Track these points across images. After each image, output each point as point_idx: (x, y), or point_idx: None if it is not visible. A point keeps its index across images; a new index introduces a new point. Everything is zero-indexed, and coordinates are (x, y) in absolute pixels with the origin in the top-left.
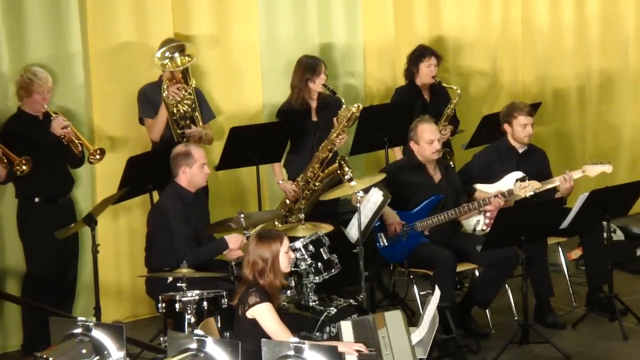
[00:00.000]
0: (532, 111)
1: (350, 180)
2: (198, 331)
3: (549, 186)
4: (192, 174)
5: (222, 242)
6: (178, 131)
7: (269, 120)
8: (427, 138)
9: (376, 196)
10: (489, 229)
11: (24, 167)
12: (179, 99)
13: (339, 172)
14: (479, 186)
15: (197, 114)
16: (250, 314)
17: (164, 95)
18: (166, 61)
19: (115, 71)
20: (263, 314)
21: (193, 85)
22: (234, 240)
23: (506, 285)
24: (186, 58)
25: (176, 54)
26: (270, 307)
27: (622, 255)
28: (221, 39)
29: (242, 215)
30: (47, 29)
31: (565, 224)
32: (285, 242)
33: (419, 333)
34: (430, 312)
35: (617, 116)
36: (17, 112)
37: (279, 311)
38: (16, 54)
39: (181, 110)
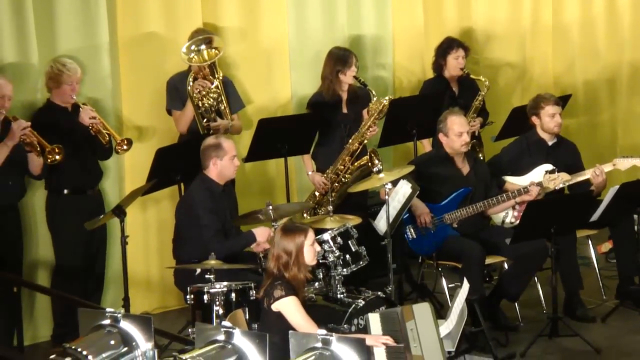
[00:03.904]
0: (559, 101)
1: (379, 172)
2: (226, 323)
3: (579, 179)
4: (222, 166)
5: (250, 234)
6: (204, 123)
7: (297, 111)
8: (457, 130)
9: (405, 188)
10: (517, 221)
11: (57, 156)
12: (204, 92)
13: (369, 164)
14: (509, 178)
15: (223, 107)
16: (275, 307)
17: (189, 89)
18: (192, 55)
19: (144, 62)
20: (288, 307)
21: (220, 78)
22: (261, 233)
23: (535, 278)
24: (213, 51)
25: (203, 46)
26: (296, 300)
27: None
28: (250, 30)
29: (271, 207)
30: (76, 21)
31: (595, 216)
32: (310, 235)
33: (448, 326)
34: (458, 304)
35: None
36: (46, 104)
37: (306, 303)
38: (46, 45)
39: (206, 104)
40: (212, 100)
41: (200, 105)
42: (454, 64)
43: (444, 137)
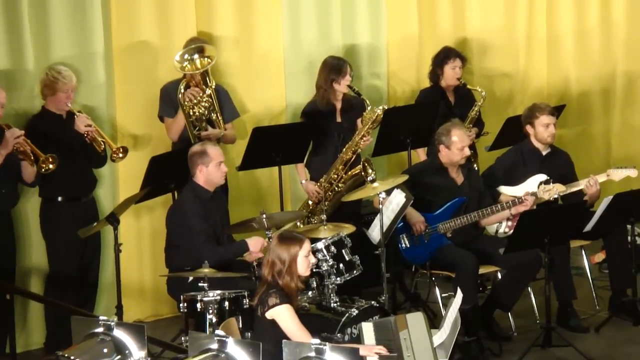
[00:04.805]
0: (554, 111)
1: (373, 181)
2: (219, 331)
3: (574, 189)
4: (208, 172)
5: (243, 244)
6: (195, 132)
7: (291, 120)
8: (459, 145)
9: (398, 198)
10: (511, 231)
11: (51, 166)
12: (195, 101)
13: (362, 173)
14: (503, 189)
15: (214, 116)
16: (269, 315)
17: (179, 97)
18: (185, 64)
19: (138, 70)
20: (283, 315)
21: (213, 87)
22: (254, 243)
23: (529, 288)
24: (206, 60)
25: (195, 55)
26: (290, 308)
27: None
28: (245, 38)
29: (264, 216)
30: (71, 28)
31: (588, 227)
32: (306, 245)
33: (441, 335)
34: (452, 314)
35: None
36: (41, 111)
37: (299, 312)
38: (41, 52)
39: (197, 113)
40: (203, 109)
41: (191, 113)
42: (451, 73)
43: (444, 149)
